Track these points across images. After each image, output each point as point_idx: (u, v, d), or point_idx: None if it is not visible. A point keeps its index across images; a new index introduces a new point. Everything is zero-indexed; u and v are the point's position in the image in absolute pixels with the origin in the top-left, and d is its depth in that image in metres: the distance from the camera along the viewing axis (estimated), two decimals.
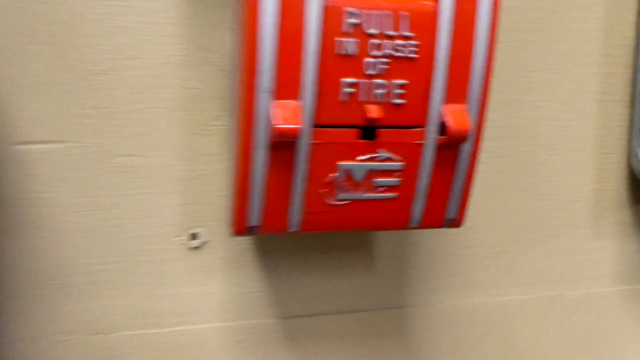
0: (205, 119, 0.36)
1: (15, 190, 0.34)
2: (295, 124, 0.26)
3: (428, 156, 0.28)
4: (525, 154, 0.41)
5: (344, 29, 0.26)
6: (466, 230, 0.40)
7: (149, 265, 0.36)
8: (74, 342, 0.35)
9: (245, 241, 0.37)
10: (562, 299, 0.43)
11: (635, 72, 0.41)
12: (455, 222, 0.30)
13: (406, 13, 0.27)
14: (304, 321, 0.39)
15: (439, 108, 0.28)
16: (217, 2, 0.35)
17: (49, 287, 0.35)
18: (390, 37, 0.27)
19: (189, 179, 0.36)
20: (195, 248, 0.37)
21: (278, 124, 0.26)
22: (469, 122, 0.28)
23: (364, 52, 0.27)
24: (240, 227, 0.28)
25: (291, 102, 0.26)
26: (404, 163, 0.28)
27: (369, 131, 0.28)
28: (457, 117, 0.28)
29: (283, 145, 0.27)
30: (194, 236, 0.36)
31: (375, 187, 0.28)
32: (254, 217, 0.28)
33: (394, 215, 0.29)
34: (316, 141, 0.27)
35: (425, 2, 0.27)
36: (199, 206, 0.36)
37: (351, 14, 0.26)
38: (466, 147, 0.29)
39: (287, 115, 0.26)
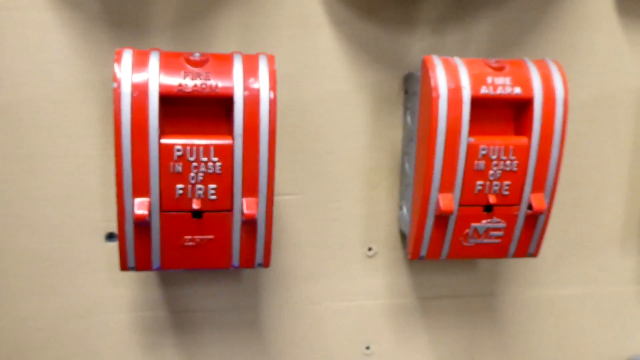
0: (378, 179, 0.59)
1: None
2: (451, 207, 0.49)
3: (520, 221, 0.52)
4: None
5: None
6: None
7: (346, 265, 0.60)
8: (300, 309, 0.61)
9: (399, 253, 0.61)
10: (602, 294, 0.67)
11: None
12: (534, 254, 0.54)
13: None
14: (433, 301, 0.63)
15: (528, 195, 0.51)
16: (389, 111, 0.58)
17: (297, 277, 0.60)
18: (503, 161, 0.50)
19: (367, 216, 0.60)
20: (370, 256, 0.61)
21: (440, 207, 0.49)
22: (545, 204, 0.51)
23: None
24: (415, 255, 0.52)
25: (448, 195, 0.50)
26: (507, 224, 0.51)
27: (488, 207, 0.51)
28: (538, 201, 0.51)
29: (442, 216, 0.50)
30: (370, 249, 0.61)
31: (490, 236, 0.52)
32: (424, 250, 0.52)
33: (499, 251, 0.53)
34: (460, 214, 0.51)
35: (522, 139, 0.50)
36: (373, 232, 0.60)
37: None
38: (541, 217, 0.52)
39: (447, 201, 0.50)
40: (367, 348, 0.62)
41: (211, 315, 0.59)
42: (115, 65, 0.44)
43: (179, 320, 0.58)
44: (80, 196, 0.54)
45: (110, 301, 0.56)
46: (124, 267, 0.47)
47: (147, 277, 0.56)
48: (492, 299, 0.64)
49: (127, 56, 0.45)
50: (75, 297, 0.56)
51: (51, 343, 0.56)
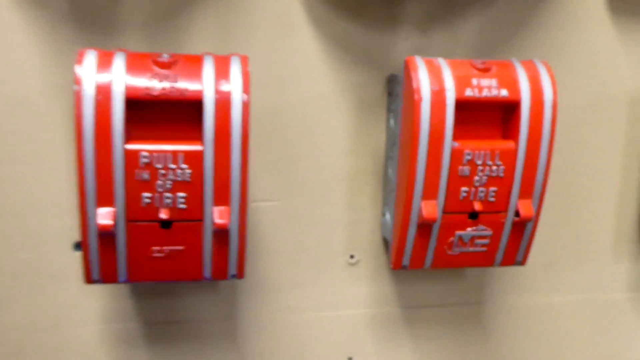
0: (361, 185, 0.57)
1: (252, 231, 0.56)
2: (434, 215, 0.47)
3: (507, 228, 0.49)
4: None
5: None
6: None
7: (327, 273, 0.58)
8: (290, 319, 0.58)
9: (382, 261, 0.59)
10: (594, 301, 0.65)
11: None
12: (522, 262, 0.52)
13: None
14: (418, 310, 0.61)
15: (516, 202, 0.49)
16: (372, 114, 0.55)
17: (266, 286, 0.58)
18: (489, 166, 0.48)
19: (349, 223, 0.58)
20: (352, 264, 0.59)
21: (423, 214, 0.47)
22: (533, 211, 0.48)
23: None
24: (398, 265, 0.50)
25: (431, 202, 0.48)
26: (493, 232, 0.49)
27: (474, 215, 0.49)
28: (525, 207, 0.48)
29: (425, 224, 0.48)
30: (352, 257, 0.59)
31: (476, 245, 0.50)
32: (406, 260, 0.50)
33: (486, 260, 0.50)
34: (444, 222, 0.48)
35: (509, 143, 0.47)
36: (355, 239, 0.58)
37: None
38: (529, 224, 0.49)
39: (430, 209, 0.47)
40: (350, 359, 0.60)
41: (187, 326, 0.56)
42: (77, 67, 0.41)
43: (152, 332, 0.56)
44: (47, 203, 0.51)
45: (79, 313, 0.54)
46: (88, 279, 0.45)
47: (118, 288, 0.54)
48: (479, 307, 0.62)
49: (91, 57, 0.42)
50: (41, 308, 0.53)
51: (16, 357, 0.54)
